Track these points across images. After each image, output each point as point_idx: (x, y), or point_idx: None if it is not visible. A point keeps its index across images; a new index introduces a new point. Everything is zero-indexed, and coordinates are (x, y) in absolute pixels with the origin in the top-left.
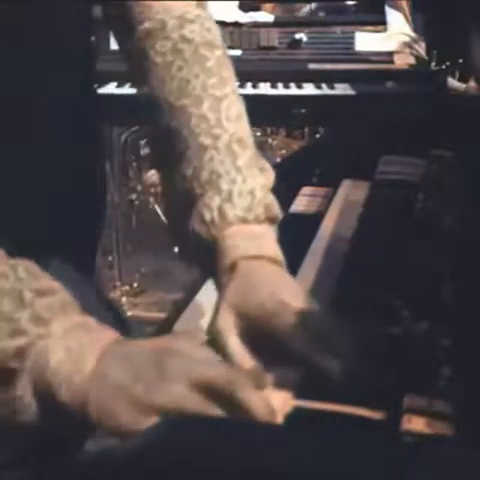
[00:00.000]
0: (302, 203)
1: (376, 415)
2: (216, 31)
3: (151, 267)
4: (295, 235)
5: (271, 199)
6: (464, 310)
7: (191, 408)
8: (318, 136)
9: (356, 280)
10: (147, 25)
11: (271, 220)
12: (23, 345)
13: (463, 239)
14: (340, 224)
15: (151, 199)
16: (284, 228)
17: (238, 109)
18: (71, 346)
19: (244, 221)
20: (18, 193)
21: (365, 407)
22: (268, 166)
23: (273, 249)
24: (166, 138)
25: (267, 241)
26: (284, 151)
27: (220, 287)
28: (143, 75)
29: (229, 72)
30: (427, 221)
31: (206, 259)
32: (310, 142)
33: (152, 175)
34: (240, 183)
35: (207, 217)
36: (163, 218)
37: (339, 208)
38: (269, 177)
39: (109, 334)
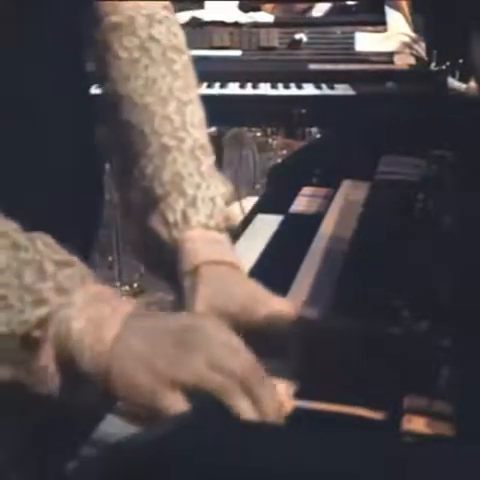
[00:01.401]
0: (302, 203)
1: (376, 415)
2: (182, 36)
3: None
4: (295, 235)
5: (229, 210)
6: (464, 310)
7: (210, 388)
8: (318, 136)
9: (356, 280)
10: (114, 19)
11: (228, 230)
12: (45, 314)
13: (463, 239)
14: (340, 224)
15: None
16: (284, 228)
17: (200, 116)
18: (92, 316)
19: (206, 227)
20: (16, 192)
21: (365, 407)
22: (224, 178)
23: (233, 256)
24: (125, 133)
25: (227, 248)
26: (284, 151)
27: (183, 290)
28: (103, 68)
29: (193, 78)
30: (427, 221)
31: (162, 260)
32: (310, 142)
33: None
34: (204, 189)
35: (170, 219)
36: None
37: (339, 208)
38: (228, 188)
39: (128, 305)
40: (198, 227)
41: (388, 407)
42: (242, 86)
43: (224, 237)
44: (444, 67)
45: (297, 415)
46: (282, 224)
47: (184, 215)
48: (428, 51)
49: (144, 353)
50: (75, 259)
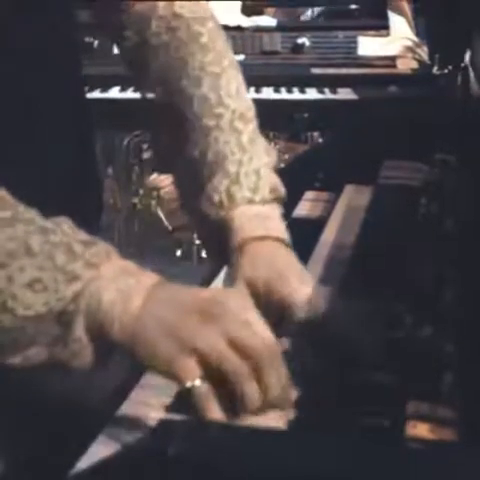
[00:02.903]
0: (305, 208)
1: (380, 420)
2: (205, 4)
3: (153, 271)
4: (298, 240)
5: (275, 178)
6: (467, 315)
7: (225, 367)
8: (321, 140)
9: (359, 286)
10: (138, 7)
11: (276, 200)
12: (79, 289)
13: (466, 244)
14: (343, 229)
15: (153, 203)
16: (287, 233)
17: (237, 82)
18: (120, 287)
19: (251, 202)
20: (15, 194)
21: (369, 413)
22: (268, 145)
23: (278, 230)
24: (171, 119)
25: (273, 222)
26: (287, 155)
27: (230, 265)
28: (140, 59)
29: (223, 44)
30: (430, 226)
31: (215, 239)
32: (313, 146)
33: (154, 179)
34: (246, 164)
35: (216, 199)
36: (165, 222)
37: (342, 213)
38: (272, 155)
39: (152, 276)
40: (243, 203)
41: (392, 413)
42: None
43: (272, 209)
44: (446, 71)
45: (299, 421)
46: (286, 229)
47: (228, 194)
48: (430, 55)
49: (168, 322)
50: (95, 239)
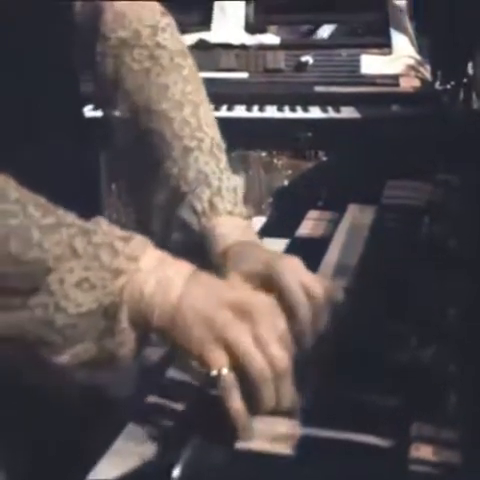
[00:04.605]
0: (308, 227)
1: (384, 443)
2: (183, 41)
3: None
4: (301, 259)
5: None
6: (471, 337)
7: (250, 366)
8: (324, 159)
9: (361, 306)
10: (121, 34)
11: (249, 218)
12: (124, 282)
13: (469, 264)
14: (346, 249)
15: None
16: (290, 252)
17: (211, 115)
18: (160, 277)
19: (231, 214)
20: None
21: (373, 435)
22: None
23: (258, 239)
24: (146, 140)
25: (252, 232)
26: (290, 171)
27: (216, 268)
28: (116, 83)
29: (199, 80)
30: (433, 246)
31: (194, 246)
32: (316, 165)
33: None
34: (226, 181)
35: (198, 208)
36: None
37: (345, 233)
38: (241, 181)
39: (188, 266)
40: (224, 214)
41: (396, 435)
42: (249, 109)
43: (248, 223)
44: (448, 87)
45: (304, 443)
46: (288, 248)
47: (211, 204)
48: (433, 71)
49: (203, 311)
50: (130, 233)
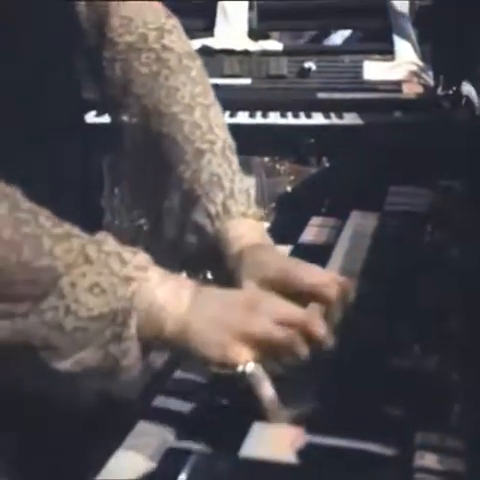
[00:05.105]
0: (311, 233)
1: (388, 451)
2: (189, 42)
3: None
4: None
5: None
6: (475, 344)
7: (276, 340)
8: (327, 165)
9: (365, 314)
10: (128, 38)
11: (262, 219)
12: (135, 288)
13: (471, 271)
14: (349, 256)
15: None
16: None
17: (222, 117)
18: (170, 287)
19: (244, 216)
20: None
21: (377, 443)
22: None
23: (270, 241)
24: (158, 144)
25: (266, 234)
26: (292, 176)
27: (230, 271)
28: (125, 87)
29: (208, 82)
30: (435, 253)
31: (208, 249)
32: (319, 171)
33: None
34: (238, 182)
35: (212, 211)
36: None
37: (348, 240)
38: (252, 182)
39: (190, 280)
40: (238, 216)
41: (400, 443)
42: (252, 115)
43: (261, 225)
44: (451, 92)
45: (309, 450)
46: (291, 254)
47: (225, 206)
48: (435, 76)
49: (217, 314)
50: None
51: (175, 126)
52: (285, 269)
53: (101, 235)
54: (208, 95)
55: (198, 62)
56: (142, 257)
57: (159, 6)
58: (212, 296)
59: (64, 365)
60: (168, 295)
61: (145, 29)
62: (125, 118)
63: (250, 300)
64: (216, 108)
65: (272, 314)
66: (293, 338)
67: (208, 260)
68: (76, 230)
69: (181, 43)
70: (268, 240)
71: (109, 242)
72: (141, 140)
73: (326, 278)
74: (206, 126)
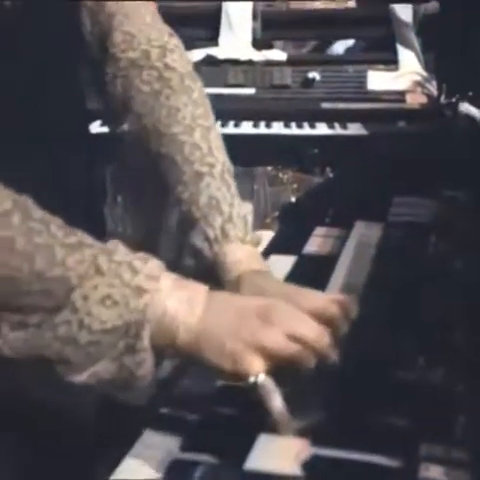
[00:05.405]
0: (315, 243)
1: (393, 463)
2: (190, 62)
3: None
4: (309, 277)
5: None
6: (479, 356)
7: (288, 355)
8: (331, 176)
9: (370, 326)
10: (131, 55)
11: (258, 244)
12: (148, 300)
13: (476, 283)
14: (354, 267)
15: None
16: (298, 269)
17: (221, 139)
18: (181, 296)
19: (242, 241)
20: None
21: (383, 455)
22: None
23: (268, 267)
24: (156, 163)
25: (263, 260)
26: (295, 185)
27: None
28: (126, 104)
29: (208, 104)
30: (440, 264)
31: (205, 272)
32: (322, 182)
33: None
34: (237, 207)
35: (211, 235)
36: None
37: (352, 251)
38: (250, 207)
39: (203, 286)
40: (236, 241)
41: (405, 455)
42: (255, 125)
43: (257, 250)
44: (454, 100)
45: (314, 463)
46: (295, 265)
47: (223, 231)
48: (438, 85)
49: (230, 323)
50: (148, 254)
51: (174, 146)
52: (284, 295)
53: (112, 244)
54: (208, 117)
55: (199, 83)
56: (153, 264)
57: (162, 24)
58: (224, 303)
59: (79, 378)
60: (180, 304)
61: (148, 46)
62: (124, 134)
63: (263, 309)
64: (215, 130)
65: (284, 327)
66: (302, 354)
67: (205, 283)
68: (88, 238)
69: (183, 63)
70: (266, 266)
71: (120, 251)
72: (140, 156)
73: (325, 301)
74: (206, 148)
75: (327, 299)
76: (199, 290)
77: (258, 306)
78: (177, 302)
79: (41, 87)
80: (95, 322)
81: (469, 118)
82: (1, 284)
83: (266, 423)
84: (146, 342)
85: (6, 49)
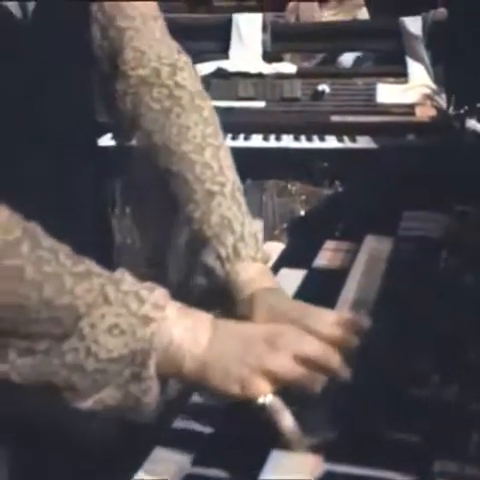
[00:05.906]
0: (325, 257)
1: (407, 479)
2: (199, 80)
3: None
4: (319, 291)
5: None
6: None
7: (294, 378)
8: (340, 189)
9: (381, 341)
10: (141, 72)
11: (267, 261)
12: (155, 329)
13: None
14: (365, 281)
15: None
16: (308, 283)
17: (230, 158)
18: (186, 324)
19: (253, 259)
20: None
21: (396, 471)
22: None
23: (279, 285)
24: (165, 180)
25: (274, 278)
26: (304, 197)
27: (241, 314)
28: (135, 121)
29: (218, 123)
30: (450, 279)
31: (217, 291)
32: (332, 195)
33: None
34: (248, 225)
35: (223, 254)
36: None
37: (363, 265)
38: (260, 225)
39: (207, 314)
40: (247, 259)
41: (419, 472)
42: (265, 138)
43: (268, 268)
44: (462, 111)
45: (328, 479)
46: (306, 279)
47: (235, 249)
48: (447, 96)
49: (236, 350)
50: (153, 283)
51: (185, 165)
52: (294, 314)
53: (119, 273)
54: (218, 136)
55: (208, 102)
56: (159, 293)
57: (171, 41)
58: (230, 331)
59: (85, 405)
60: (186, 333)
61: (158, 63)
62: (133, 149)
63: (269, 334)
64: (225, 149)
65: (291, 350)
66: (309, 376)
67: (217, 301)
68: (96, 267)
69: (193, 81)
70: (276, 283)
71: (127, 280)
72: (147, 171)
73: (333, 327)
74: (217, 167)
75: (335, 321)
76: (203, 319)
77: (265, 331)
78: (183, 330)
79: (46, 97)
80: (102, 350)
81: (476, 134)
82: (10, 311)
83: (278, 440)
84: (152, 370)
85: (9, 59)
